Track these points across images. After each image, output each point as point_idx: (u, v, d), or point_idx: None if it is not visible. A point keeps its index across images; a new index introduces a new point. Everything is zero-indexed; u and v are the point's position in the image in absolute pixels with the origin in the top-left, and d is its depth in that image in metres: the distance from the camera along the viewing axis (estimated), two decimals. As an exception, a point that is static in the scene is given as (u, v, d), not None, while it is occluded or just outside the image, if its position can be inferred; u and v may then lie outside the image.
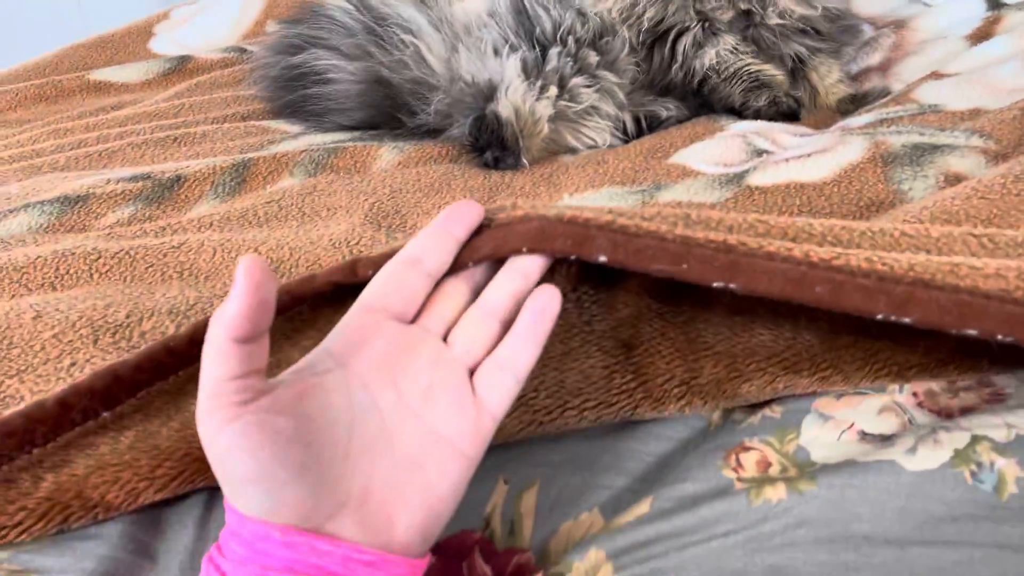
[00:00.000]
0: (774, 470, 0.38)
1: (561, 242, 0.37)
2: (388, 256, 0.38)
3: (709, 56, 0.82)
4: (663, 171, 0.69)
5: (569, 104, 0.79)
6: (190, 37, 1.26)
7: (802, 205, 0.59)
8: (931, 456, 0.37)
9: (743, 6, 0.81)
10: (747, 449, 0.40)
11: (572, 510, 0.41)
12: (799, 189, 0.61)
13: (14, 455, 0.38)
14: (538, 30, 0.80)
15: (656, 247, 0.35)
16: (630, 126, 0.84)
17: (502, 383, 0.36)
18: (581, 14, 0.81)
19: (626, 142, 0.82)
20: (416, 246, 0.38)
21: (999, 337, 0.32)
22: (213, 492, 0.42)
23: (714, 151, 0.71)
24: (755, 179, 0.64)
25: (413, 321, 0.38)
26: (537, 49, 0.79)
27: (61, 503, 0.39)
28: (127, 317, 0.49)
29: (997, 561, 0.33)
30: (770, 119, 0.79)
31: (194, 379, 0.42)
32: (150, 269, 0.58)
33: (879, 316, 0.33)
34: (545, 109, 0.77)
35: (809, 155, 0.65)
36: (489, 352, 0.37)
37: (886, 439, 0.39)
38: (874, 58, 0.99)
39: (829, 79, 0.88)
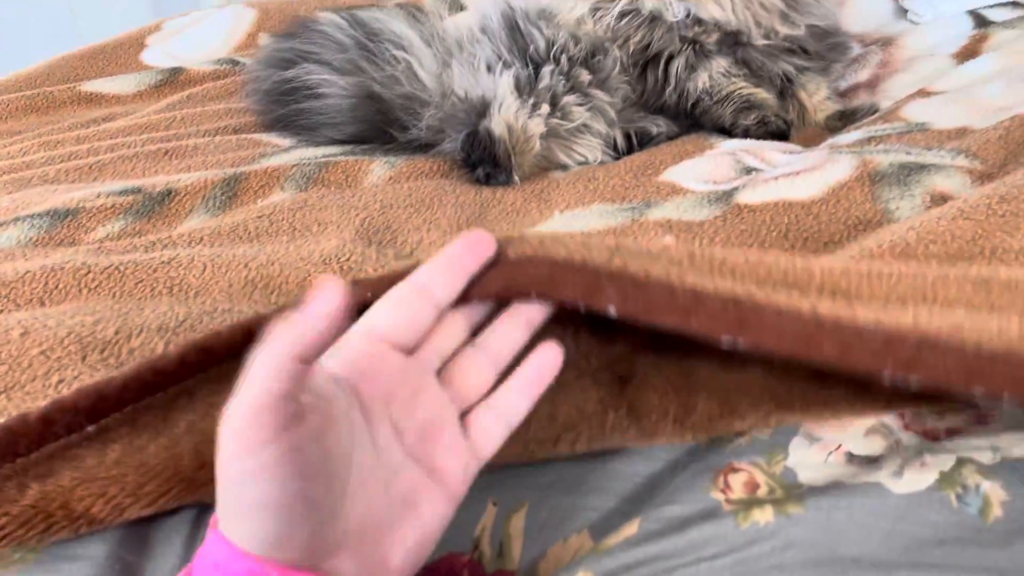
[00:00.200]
0: (762, 492, 0.39)
1: (571, 290, 0.37)
2: (387, 280, 0.37)
3: (702, 79, 0.82)
4: (653, 188, 0.69)
5: (561, 122, 0.79)
6: (182, 49, 1.26)
7: (790, 224, 0.59)
8: (917, 479, 0.37)
9: (729, 28, 0.82)
10: (735, 470, 0.40)
11: (561, 532, 0.41)
12: (787, 207, 0.61)
13: None
14: (531, 47, 0.80)
15: (665, 301, 0.35)
16: (620, 142, 0.84)
17: (495, 429, 0.37)
18: (574, 34, 0.82)
19: (616, 158, 0.83)
20: (427, 274, 0.37)
21: (1005, 396, 0.33)
22: (202, 509, 0.42)
23: (703, 169, 0.72)
24: (744, 197, 0.64)
25: (410, 352, 0.37)
26: (530, 66, 0.79)
27: (45, 512, 0.38)
28: (116, 334, 0.49)
29: (982, 585, 0.33)
30: (759, 138, 0.80)
31: (183, 395, 0.42)
32: (140, 284, 0.58)
33: (886, 376, 0.34)
34: (537, 127, 0.77)
35: (798, 173, 0.66)
36: (481, 395, 0.37)
37: (873, 461, 0.39)
38: (862, 75, 1.00)
39: (817, 96, 0.89)
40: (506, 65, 0.79)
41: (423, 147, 0.85)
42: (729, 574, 0.35)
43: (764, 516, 0.37)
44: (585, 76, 0.80)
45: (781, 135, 0.81)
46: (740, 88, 0.82)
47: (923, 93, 0.83)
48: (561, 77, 0.79)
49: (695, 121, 0.85)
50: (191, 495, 0.40)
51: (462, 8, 1.28)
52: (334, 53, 0.88)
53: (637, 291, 0.36)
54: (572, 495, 0.42)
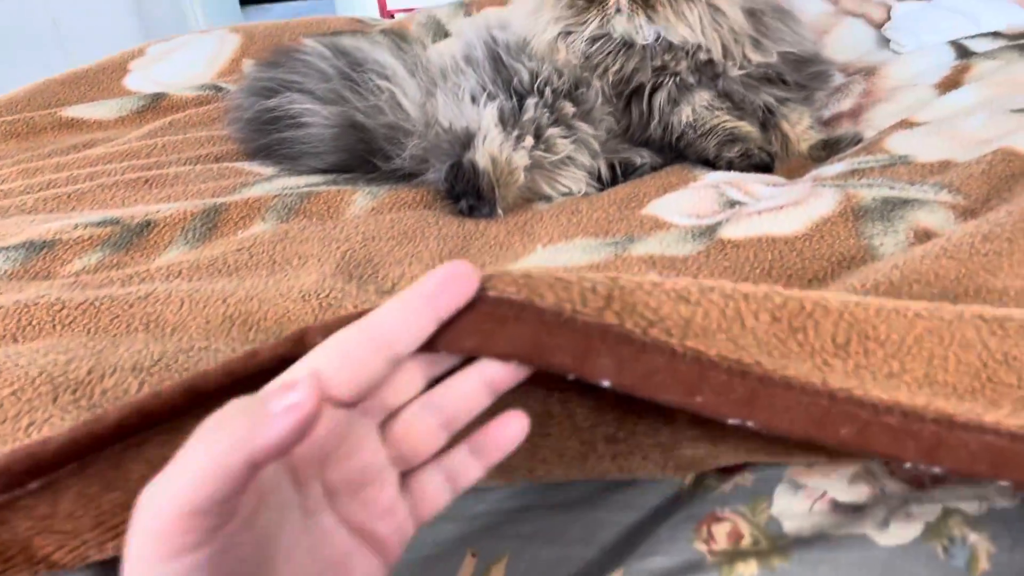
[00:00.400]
0: (746, 543, 0.38)
1: (560, 358, 0.32)
2: (342, 324, 0.32)
3: (686, 113, 0.82)
4: (636, 222, 0.69)
5: (545, 154, 0.79)
6: (166, 74, 1.26)
7: (774, 260, 0.59)
8: (904, 530, 0.36)
9: (701, 57, 0.82)
10: (719, 519, 0.39)
11: (542, 582, 0.40)
12: (771, 243, 0.61)
13: None
14: (515, 79, 0.80)
15: (666, 369, 0.32)
16: (604, 172, 0.84)
17: (440, 494, 0.33)
18: (557, 68, 0.82)
19: (601, 189, 0.82)
20: (388, 320, 0.31)
21: None
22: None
23: (687, 202, 0.71)
24: (727, 232, 0.64)
25: (352, 405, 0.32)
26: (514, 98, 0.79)
27: (4, 556, 0.37)
28: (88, 373, 0.48)
29: (970, 642, 0.33)
30: (743, 171, 0.80)
31: (132, 445, 0.40)
32: (115, 320, 0.57)
33: (908, 463, 0.31)
34: (521, 159, 0.77)
35: (781, 207, 0.65)
36: (429, 455, 0.33)
37: (858, 509, 0.39)
38: (845, 104, 1.00)
39: (800, 126, 0.89)
40: (490, 96, 0.79)
41: (406, 176, 0.84)
42: (713, 630, 0.35)
43: (748, 569, 0.36)
44: (569, 108, 0.80)
45: (765, 167, 0.81)
46: (724, 121, 0.82)
47: (906, 124, 0.83)
48: (545, 109, 0.79)
49: (679, 153, 0.85)
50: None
51: (447, 35, 1.28)
52: (317, 82, 0.88)
53: (634, 355, 0.32)
54: (554, 545, 0.41)
